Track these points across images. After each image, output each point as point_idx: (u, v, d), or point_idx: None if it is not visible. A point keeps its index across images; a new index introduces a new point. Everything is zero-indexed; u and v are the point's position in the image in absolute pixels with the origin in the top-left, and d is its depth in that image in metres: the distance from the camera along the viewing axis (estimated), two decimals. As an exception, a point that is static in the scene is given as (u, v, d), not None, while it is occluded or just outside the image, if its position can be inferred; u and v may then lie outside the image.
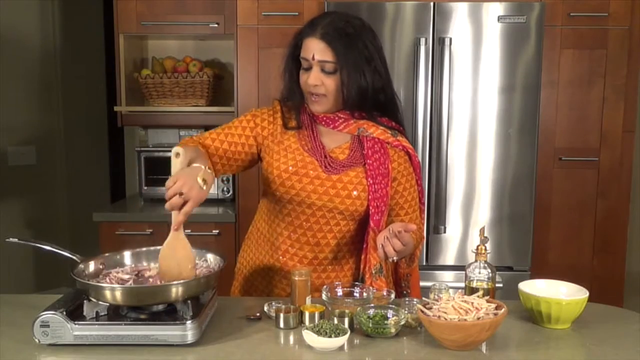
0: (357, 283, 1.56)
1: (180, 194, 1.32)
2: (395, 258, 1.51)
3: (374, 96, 1.60)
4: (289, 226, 1.64)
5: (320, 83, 1.57)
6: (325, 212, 1.60)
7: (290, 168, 1.60)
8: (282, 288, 1.68)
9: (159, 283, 1.40)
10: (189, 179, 1.34)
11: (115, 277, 1.43)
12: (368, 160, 1.61)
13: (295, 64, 1.63)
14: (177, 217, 1.35)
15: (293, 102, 1.67)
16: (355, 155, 1.63)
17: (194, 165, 1.41)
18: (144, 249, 1.55)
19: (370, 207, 1.59)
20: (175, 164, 1.38)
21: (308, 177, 1.60)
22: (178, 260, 1.38)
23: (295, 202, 1.61)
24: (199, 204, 1.35)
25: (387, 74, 1.63)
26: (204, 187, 1.36)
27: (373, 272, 1.60)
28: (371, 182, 1.59)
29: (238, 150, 1.65)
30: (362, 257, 1.63)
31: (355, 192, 1.59)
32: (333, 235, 1.62)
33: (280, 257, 1.66)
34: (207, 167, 1.41)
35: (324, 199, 1.59)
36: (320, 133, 1.67)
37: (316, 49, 1.55)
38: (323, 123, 1.66)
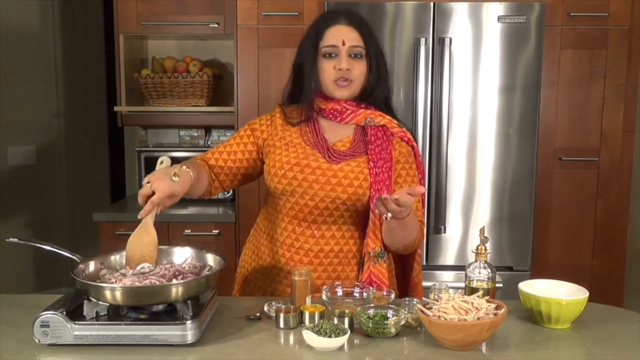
0: (357, 283, 1.55)
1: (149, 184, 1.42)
2: (388, 215, 1.44)
3: (383, 87, 1.68)
4: (292, 220, 1.64)
5: (351, 67, 1.62)
6: (328, 203, 1.60)
7: (292, 160, 1.62)
8: (287, 284, 1.65)
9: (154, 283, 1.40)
10: (161, 174, 1.45)
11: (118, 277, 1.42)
12: (370, 146, 1.63)
13: (314, 57, 1.64)
14: (145, 206, 1.42)
15: (307, 100, 1.66)
16: (358, 145, 1.65)
17: (172, 166, 1.50)
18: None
19: (371, 190, 1.59)
20: (159, 168, 1.51)
21: (310, 167, 1.61)
22: (142, 245, 1.45)
23: (297, 194, 1.61)
24: (171, 196, 1.43)
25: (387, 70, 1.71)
26: (175, 179, 1.43)
27: (371, 254, 1.60)
28: (372, 165, 1.61)
29: (239, 159, 1.70)
30: (365, 241, 1.63)
31: (356, 182, 1.59)
32: (337, 227, 1.63)
33: (286, 252, 1.66)
34: (185, 167, 1.49)
35: (326, 188, 1.59)
36: (323, 128, 1.68)
37: (346, 35, 1.61)
38: (330, 116, 1.68)
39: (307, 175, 1.60)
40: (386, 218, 1.47)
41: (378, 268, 1.60)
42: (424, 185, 1.75)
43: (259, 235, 1.77)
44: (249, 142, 1.71)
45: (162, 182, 1.42)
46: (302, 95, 1.68)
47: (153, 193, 1.41)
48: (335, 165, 1.61)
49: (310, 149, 1.64)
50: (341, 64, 1.60)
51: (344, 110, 1.66)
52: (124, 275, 1.43)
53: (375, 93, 1.67)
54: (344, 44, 1.60)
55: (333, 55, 1.62)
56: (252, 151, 1.71)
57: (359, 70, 1.62)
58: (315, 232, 1.63)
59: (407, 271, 1.77)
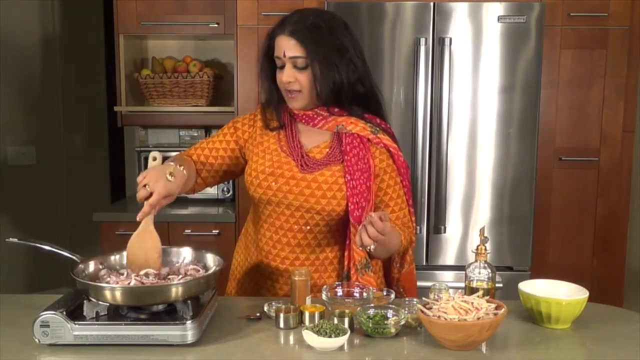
0: (357, 283, 1.55)
1: (146, 186, 1.40)
2: (372, 247, 1.45)
3: (351, 88, 1.60)
4: (270, 227, 1.64)
5: (293, 79, 1.58)
6: (304, 213, 1.59)
7: (267, 169, 1.61)
8: (266, 289, 1.68)
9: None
10: (156, 173, 1.42)
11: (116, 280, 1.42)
12: (346, 157, 1.60)
13: (270, 64, 1.64)
14: (144, 208, 1.41)
15: (273, 104, 1.68)
16: (333, 153, 1.62)
17: (166, 163, 1.49)
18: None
19: (349, 204, 1.57)
20: (151, 164, 1.48)
21: (284, 177, 1.60)
22: (145, 249, 1.43)
23: (274, 203, 1.61)
24: (168, 196, 1.43)
25: (365, 65, 1.63)
26: (171, 179, 1.42)
27: (358, 267, 1.59)
28: (349, 178, 1.58)
29: (221, 155, 1.70)
30: (346, 253, 1.62)
31: (329, 193, 1.57)
32: (313, 236, 1.62)
33: (264, 258, 1.67)
34: (178, 165, 1.48)
35: (300, 199, 1.58)
36: (300, 133, 1.66)
37: (286, 46, 1.56)
38: (303, 121, 1.66)
39: (281, 186, 1.59)
40: (370, 250, 1.47)
41: (366, 278, 1.59)
42: (411, 192, 1.73)
43: (246, 237, 1.77)
44: (232, 140, 1.70)
45: (159, 183, 1.41)
46: (271, 103, 1.68)
47: (150, 194, 1.40)
48: (309, 175, 1.59)
49: (285, 156, 1.62)
50: (283, 77, 1.59)
51: (315, 115, 1.64)
52: (121, 274, 1.43)
53: (343, 95, 1.60)
54: (284, 55, 1.56)
55: (281, 66, 1.60)
56: (235, 149, 1.70)
57: (303, 81, 1.57)
58: (292, 240, 1.62)
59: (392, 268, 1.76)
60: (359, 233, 1.45)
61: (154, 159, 1.49)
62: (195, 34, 3.21)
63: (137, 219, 1.42)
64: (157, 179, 1.41)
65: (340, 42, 1.57)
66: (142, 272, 1.40)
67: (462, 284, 1.53)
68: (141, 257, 1.42)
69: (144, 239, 1.43)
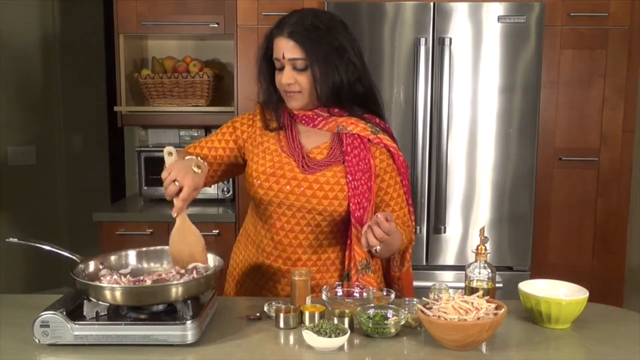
0: (357, 283, 1.55)
1: (175, 182, 1.41)
2: (378, 248, 1.45)
3: (351, 88, 1.60)
4: (271, 228, 1.64)
5: (293, 81, 1.58)
6: (305, 213, 1.59)
7: (268, 170, 1.61)
8: (268, 289, 1.68)
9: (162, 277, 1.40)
10: (182, 167, 1.43)
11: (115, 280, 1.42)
12: (347, 157, 1.60)
13: (269, 65, 1.64)
14: (176, 204, 1.42)
15: (272, 104, 1.68)
16: (334, 153, 1.62)
17: (187, 157, 1.50)
18: (144, 249, 1.55)
19: (351, 204, 1.57)
20: (169, 161, 1.48)
21: (285, 178, 1.59)
22: (188, 244, 1.45)
23: (275, 204, 1.61)
24: (197, 189, 1.44)
25: (364, 65, 1.63)
26: (198, 171, 1.44)
27: (359, 267, 1.59)
28: (350, 178, 1.58)
29: (219, 155, 1.70)
30: (347, 253, 1.62)
31: (331, 194, 1.57)
32: (315, 237, 1.62)
33: (265, 260, 1.66)
34: (199, 158, 1.50)
35: (302, 200, 1.58)
36: (300, 133, 1.66)
37: (285, 48, 1.56)
38: (303, 122, 1.66)
39: (283, 187, 1.59)
40: (375, 250, 1.47)
41: (367, 279, 1.59)
42: (410, 191, 1.73)
43: (246, 238, 1.77)
44: (231, 139, 1.70)
45: (187, 177, 1.42)
46: (270, 104, 1.68)
47: (180, 189, 1.41)
48: (310, 175, 1.59)
49: (286, 157, 1.62)
50: (282, 78, 1.58)
51: (315, 116, 1.64)
52: (123, 275, 1.43)
53: (343, 96, 1.60)
54: (283, 57, 1.56)
55: (280, 67, 1.59)
56: (233, 148, 1.70)
57: (303, 82, 1.57)
58: (293, 241, 1.62)
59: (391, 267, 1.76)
60: (364, 234, 1.45)
61: (170, 154, 1.49)
62: (195, 34, 3.21)
63: (173, 215, 1.43)
64: (184, 173, 1.42)
65: (339, 42, 1.57)
66: (189, 267, 1.42)
67: (462, 284, 1.53)
68: (186, 252, 1.44)
69: (185, 234, 1.45)
